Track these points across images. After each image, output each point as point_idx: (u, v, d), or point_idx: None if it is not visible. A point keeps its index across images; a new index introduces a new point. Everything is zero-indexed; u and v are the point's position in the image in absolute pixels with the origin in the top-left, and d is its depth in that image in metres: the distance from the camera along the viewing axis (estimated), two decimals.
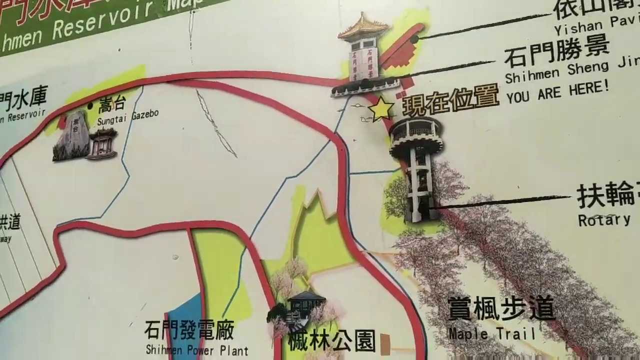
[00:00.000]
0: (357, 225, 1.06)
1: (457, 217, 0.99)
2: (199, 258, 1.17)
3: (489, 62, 1.03)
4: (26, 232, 1.37)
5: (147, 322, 1.18)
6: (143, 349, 1.17)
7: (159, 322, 1.17)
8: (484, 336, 0.93)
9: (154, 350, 1.16)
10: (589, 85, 0.96)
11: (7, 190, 1.43)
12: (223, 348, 1.11)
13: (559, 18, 0.99)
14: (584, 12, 0.98)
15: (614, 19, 0.96)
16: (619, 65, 0.94)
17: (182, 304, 1.16)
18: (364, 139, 1.09)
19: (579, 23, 0.98)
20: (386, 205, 1.05)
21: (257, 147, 1.17)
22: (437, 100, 1.05)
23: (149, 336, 1.17)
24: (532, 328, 0.91)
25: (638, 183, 0.89)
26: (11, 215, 1.40)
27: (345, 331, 1.02)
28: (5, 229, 1.40)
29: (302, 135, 1.13)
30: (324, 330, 1.04)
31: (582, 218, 0.92)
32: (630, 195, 0.90)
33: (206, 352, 1.12)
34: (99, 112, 1.37)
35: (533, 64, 1.00)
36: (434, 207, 1.01)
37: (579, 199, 0.93)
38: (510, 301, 0.93)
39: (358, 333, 1.01)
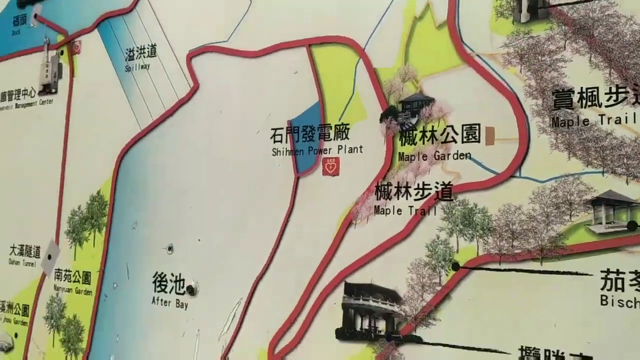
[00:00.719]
0: (466, 30, 1.12)
1: (565, 14, 1.03)
2: (317, 71, 1.28)
3: None
4: (162, 59, 1.54)
5: (272, 129, 1.33)
6: (269, 152, 1.33)
7: (282, 128, 1.32)
8: (586, 123, 1.00)
9: (279, 152, 1.32)
10: None
11: (143, 24, 1.59)
12: (340, 147, 1.24)
13: None
14: None
15: None
16: None
17: (302, 112, 1.29)
18: None
19: None
20: (495, 8, 1.09)
21: None
22: None
23: (274, 141, 1.33)
24: (634, 113, 0.96)
25: None
26: (148, 45, 1.57)
27: (452, 126, 1.12)
28: (145, 57, 1.57)
29: None
30: (433, 126, 1.14)
31: None
32: None
33: (325, 152, 1.26)
34: None
35: None
36: (543, 7, 1.05)
37: None
38: (613, 89, 0.98)
39: (464, 127, 1.11)
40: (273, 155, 1.32)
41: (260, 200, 1.33)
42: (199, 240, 1.42)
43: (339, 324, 1.21)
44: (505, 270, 1.05)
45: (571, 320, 0.99)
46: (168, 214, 1.48)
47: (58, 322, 1.69)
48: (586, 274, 0.98)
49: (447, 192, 1.11)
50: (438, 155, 1.13)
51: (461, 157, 1.10)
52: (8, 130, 1.89)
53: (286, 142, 1.31)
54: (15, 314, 1.80)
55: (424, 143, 1.15)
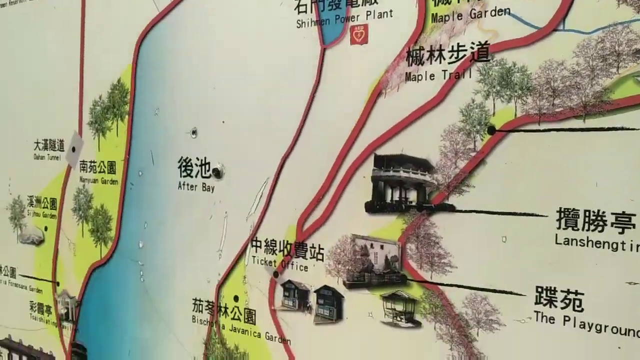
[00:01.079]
0: None
1: None
2: None
3: None
4: None
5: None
6: (294, 24, 1.27)
7: None
8: None
9: (304, 24, 1.25)
10: None
11: None
12: (369, 13, 1.17)
13: None
14: None
15: None
16: None
17: None
18: None
19: None
20: None
21: None
22: None
23: (299, 12, 1.26)
24: None
25: None
26: None
27: None
28: None
29: None
30: None
31: None
32: None
33: (352, 19, 1.19)
34: None
35: None
36: None
37: None
38: None
39: None
40: (297, 27, 1.26)
41: (285, 75, 1.28)
42: (223, 122, 1.39)
43: (369, 198, 1.19)
44: (544, 130, 1.00)
45: (614, 178, 0.94)
46: (190, 97, 1.44)
47: (86, 213, 1.69)
48: (633, 129, 0.93)
49: (483, 52, 1.05)
50: (474, 13, 1.06)
51: (499, 13, 1.03)
52: (23, 24, 1.84)
53: (311, 12, 1.24)
54: (43, 207, 1.82)
55: (458, 1, 1.07)
